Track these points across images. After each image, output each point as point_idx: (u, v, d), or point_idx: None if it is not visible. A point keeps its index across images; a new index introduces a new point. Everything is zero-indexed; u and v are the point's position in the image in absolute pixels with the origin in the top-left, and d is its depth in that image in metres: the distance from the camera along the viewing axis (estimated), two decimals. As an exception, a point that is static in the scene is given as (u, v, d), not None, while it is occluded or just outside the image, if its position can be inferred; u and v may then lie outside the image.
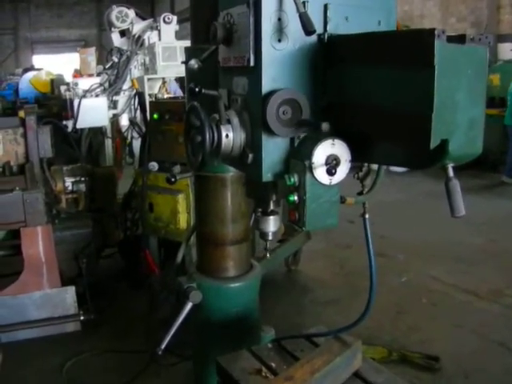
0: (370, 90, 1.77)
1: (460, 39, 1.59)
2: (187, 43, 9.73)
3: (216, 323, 3.13)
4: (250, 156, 1.97)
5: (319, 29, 1.91)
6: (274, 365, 2.65)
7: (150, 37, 9.52)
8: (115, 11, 9.42)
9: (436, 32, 1.49)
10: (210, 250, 3.17)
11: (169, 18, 9.45)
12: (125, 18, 9.46)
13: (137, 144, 8.39)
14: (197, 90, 2.03)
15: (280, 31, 1.87)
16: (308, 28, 1.77)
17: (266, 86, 1.88)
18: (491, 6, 18.41)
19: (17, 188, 4.93)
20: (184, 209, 4.67)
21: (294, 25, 1.88)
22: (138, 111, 8.30)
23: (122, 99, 9.12)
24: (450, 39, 1.56)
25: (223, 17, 2.11)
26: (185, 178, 3.09)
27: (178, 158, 4.45)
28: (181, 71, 9.22)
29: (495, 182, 10.96)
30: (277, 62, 1.89)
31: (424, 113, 1.55)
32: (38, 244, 5.06)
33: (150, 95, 8.96)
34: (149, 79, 9.07)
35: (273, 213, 2.26)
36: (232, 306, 3.14)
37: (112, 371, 4.43)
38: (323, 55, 1.93)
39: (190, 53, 2.94)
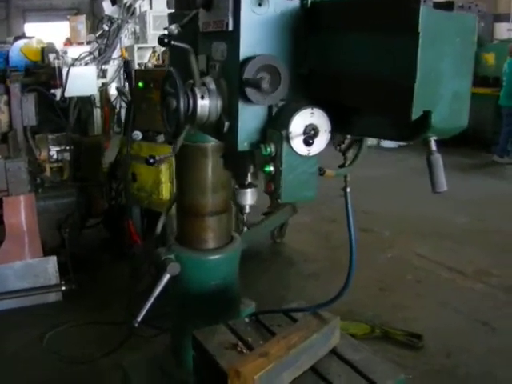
0: (352, 57, 1.69)
1: (448, 6, 1.50)
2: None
3: (194, 296, 3.07)
4: (226, 124, 1.90)
5: (303, -6, 1.84)
6: (250, 340, 2.60)
7: (142, 5, 9.38)
8: (107, -21, 9.26)
9: None
10: (190, 220, 3.10)
11: (162, -14, 9.30)
12: (116, -15, 9.31)
13: (124, 113, 8.30)
14: (166, 40, 1.95)
15: None
16: None
17: (243, 52, 1.80)
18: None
19: (-1, 156, 4.86)
20: (167, 179, 4.61)
21: (274, -12, 1.80)
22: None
23: (111, 68, 8.99)
24: (437, 5, 1.48)
25: None
26: (166, 159, 2.99)
27: (162, 127, 4.36)
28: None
29: (487, 162, 10.93)
30: (256, 27, 1.80)
31: (406, 83, 1.47)
32: (20, 213, 5.02)
33: (139, 64, 8.84)
34: (139, 48, 8.97)
35: (250, 185, 2.18)
36: (211, 278, 3.08)
37: (92, 343, 4.40)
38: (305, 21, 1.85)
39: (172, 19, 2.84)
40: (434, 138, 1.61)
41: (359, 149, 2.27)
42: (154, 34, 8.84)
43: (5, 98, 5.25)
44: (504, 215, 7.52)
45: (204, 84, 1.95)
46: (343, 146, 2.28)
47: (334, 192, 3.00)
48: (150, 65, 9.07)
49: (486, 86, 11.53)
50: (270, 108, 1.87)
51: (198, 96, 1.91)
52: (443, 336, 4.52)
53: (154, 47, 9.12)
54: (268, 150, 1.81)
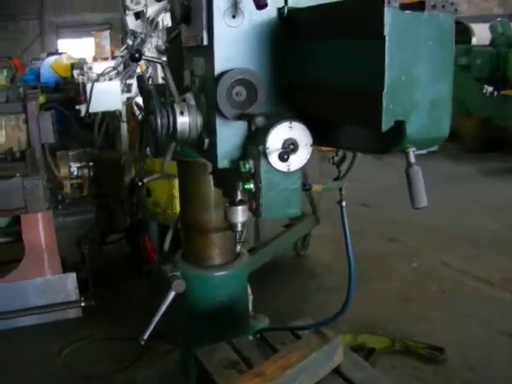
0: (325, 67, 1.63)
1: (418, 6, 1.42)
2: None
3: (200, 313, 3.04)
4: (206, 141, 1.85)
5: (280, 2, 1.78)
6: (252, 358, 2.55)
7: (164, 19, 9.41)
8: (141, -6, 9.31)
9: None
10: (195, 237, 3.07)
11: (183, 0, 9.32)
12: (138, 0, 9.36)
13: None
14: (137, 55, 1.91)
15: (234, 6, 1.74)
16: (257, 1, 1.64)
17: (218, 66, 1.75)
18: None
19: (17, 174, 4.89)
20: (180, 193, 4.58)
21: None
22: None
23: (136, 82, 9.04)
24: (407, 6, 1.40)
25: None
26: (153, 180, 2.94)
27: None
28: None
29: (517, 165, 10.68)
30: (231, 40, 1.76)
31: (374, 90, 1.40)
32: (38, 230, 5.03)
33: (162, 78, 8.86)
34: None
35: (241, 202, 2.12)
36: (217, 295, 3.04)
37: (107, 359, 4.38)
38: (283, 31, 1.79)
39: (168, 33, 2.82)
40: (413, 149, 1.53)
41: (352, 161, 2.21)
42: (177, 47, 8.86)
43: (23, 116, 5.28)
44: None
45: (184, 100, 1.91)
46: (336, 159, 2.22)
47: (359, 201, 2.92)
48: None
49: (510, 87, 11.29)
50: (249, 123, 1.82)
51: (177, 112, 1.87)
52: (466, 349, 4.37)
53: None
54: (247, 166, 1.76)
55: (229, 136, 1.82)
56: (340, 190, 2.31)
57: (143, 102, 5.94)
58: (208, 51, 1.79)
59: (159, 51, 2.30)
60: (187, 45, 2.01)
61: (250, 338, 2.76)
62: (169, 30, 2.83)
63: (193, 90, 1.95)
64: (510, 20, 11.42)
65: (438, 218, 7.22)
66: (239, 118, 1.75)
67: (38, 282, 5.01)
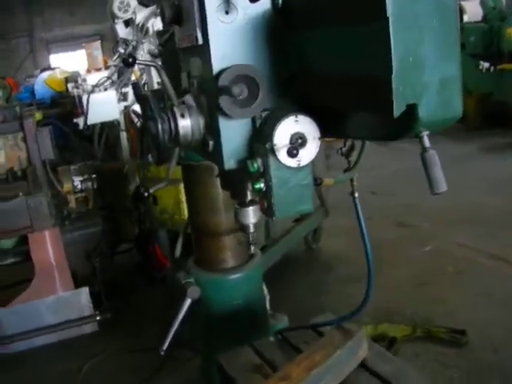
0: (327, 55, 1.57)
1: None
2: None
3: (218, 317, 2.98)
4: (211, 143, 1.79)
5: (274, -6, 1.73)
6: (276, 360, 2.49)
7: (154, 24, 9.33)
8: (117, 2, 9.19)
9: None
10: (206, 241, 3.01)
11: (171, 3, 9.25)
12: (127, 7, 9.27)
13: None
14: (130, 60, 1.85)
15: (227, 2, 1.68)
16: None
17: (216, 65, 1.70)
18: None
19: (20, 194, 4.84)
20: (187, 198, 4.52)
21: (241, -7, 1.69)
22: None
23: (131, 90, 8.97)
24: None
25: None
26: (159, 189, 2.88)
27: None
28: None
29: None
30: (226, 37, 1.70)
31: (383, 75, 1.34)
32: (46, 248, 4.99)
33: (158, 83, 8.78)
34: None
35: (252, 203, 2.06)
36: (233, 298, 2.98)
37: (127, 372, 4.33)
38: (280, 22, 1.73)
39: (159, 36, 2.76)
40: (427, 133, 1.46)
41: (361, 150, 2.15)
42: (169, 51, 8.79)
43: (21, 134, 5.23)
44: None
45: (184, 102, 1.85)
46: (344, 150, 2.15)
47: (366, 189, 2.85)
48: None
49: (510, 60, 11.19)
50: (253, 120, 1.76)
51: (178, 115, 1.81)
52: (489, 330, 4.29)
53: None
54: (255, 166, 1.70)
55: (233, 135, 1.76)
56: (351, 181, 2.24)
57: (141, 109, 5.89)
58: (204, 50, 1.73)
59: (153, 55, 2.23)
60: (181, 46, 1.95)
61: (272, 339, 2.70)
62: (160, 33, 2.77)
63: (192, 91, 1.89)
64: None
65: (446, 199, 7.09)
66: (243, 115, 1.69)
67: (51, 299, 4.97)
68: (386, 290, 4.81)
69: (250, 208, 2.07)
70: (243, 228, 2.12)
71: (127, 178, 6.43)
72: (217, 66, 1.69)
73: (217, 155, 1.79)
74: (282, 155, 1.66)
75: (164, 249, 5.15)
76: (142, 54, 9.23)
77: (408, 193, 7.34)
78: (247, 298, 3.00)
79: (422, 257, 5.84)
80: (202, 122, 1.82)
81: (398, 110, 1.35)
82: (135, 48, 9.05)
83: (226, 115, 1.69)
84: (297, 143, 1.66)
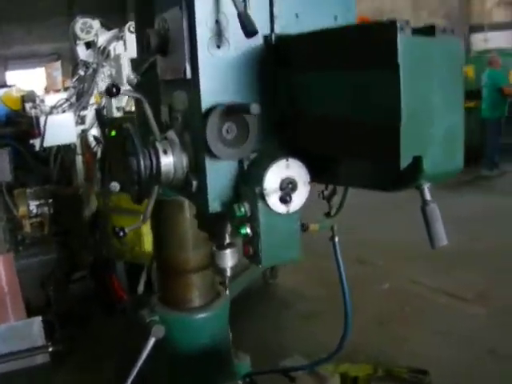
0: (326, 99, 1.49)
1: (429, 31, 1.30)
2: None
3: (183, 357, 2.85)
4: (194, 183, 1.69)
5: (265, 29, 1.64)
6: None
7: (116, 47, 9.21)
8: (79, 23, 9.07)
9: (398, 24, 1.21)
10: (172, 279, 2.89)
11: (134, 27, 9.14)
12: (89, 29, 9.14)
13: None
14: (114, 90, 1.74)
15: (219, 35, 1.60)
16: (248, 28, 1.50)
17: (205, 101, 1.60)
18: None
19: (-27, 218, 4.66)
20: (148, 230, 4.36)
21: (234, 27, 1.60)
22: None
23: (90, 114, 8.80)
24: (417, 31, 1.28)
25: (158, 23, 1.83)
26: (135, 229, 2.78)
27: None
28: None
29: (476, 176, 10.77)
30: (217, 72, 1.61)
31: (390, 125, 1.26)
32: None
33: (118, 108, 8.64)
34: (116, 91, 8.75)
35: (230, 245, 1.96)
36: (199, 338, 2.86)
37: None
38: (272, 60, 1.65)
39: (134, 65, 2.67)
40: (427, 185, 1.40)
41: (344, 194, 2.07)
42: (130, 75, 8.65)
43: (-23, 155, 5.04)
44: (498, 231, 7.30)
45: (166, 138, 1.75)
46: (326, 193, 2.07)
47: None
48: (128, 108, 8.88)
49: (468, 99, 11.39)
50: (241, 162, 1.67)
51: (160, 151, 1.70)
52: (450, 368, 4.28)
53: (131, 89, 8.93)
54: (242, 210, 1.60)
55: (219, 177, 1.66)
56: (332, 226, 2.16)
57: (102, 135, 5.76)
58: (192, 85, 1.63)
59: (130, 85, 2.11)
60: (165, 78, 1.85)
61: (240, 383, 2.59)
62: (137, 62, 2.67)
63: (175, 126, 1.79)
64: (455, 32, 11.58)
65: (403, 235, 7.18)
66: (232, 157, 1.60)
67: (2, 328, 4.76)
68: (340, 325, 4.74)
69: (228, 251, 1.97)
70: (220, 271, 2.01)
71: (83, 203, 6.27)
72: (206, 103, 1.59)
73: (200, 196, 1.69)
74: (272, 200, 1.57)
75: (121, 280, 4.99)
76: (103, 78, 9.12)
77: (367, 228, 7.35)
78: (214, 337, 2.89)
79: (381, 295, 5.82)
80: (185, 160, 1.72)
81: (404, 161, 1.27)
82: (95, 71, 8.92)
83: (213, 155, 1.59)
84: (288, 188, 1.57)
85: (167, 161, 1.71)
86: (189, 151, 1.72)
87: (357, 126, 1.39)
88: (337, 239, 2.17)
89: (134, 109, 8.85)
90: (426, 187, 1.39)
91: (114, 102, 8.76)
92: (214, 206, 1.67)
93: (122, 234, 1.91)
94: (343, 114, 1.43)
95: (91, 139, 8.71)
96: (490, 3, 18.75)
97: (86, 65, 8.91)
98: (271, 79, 1.65)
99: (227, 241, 1.96)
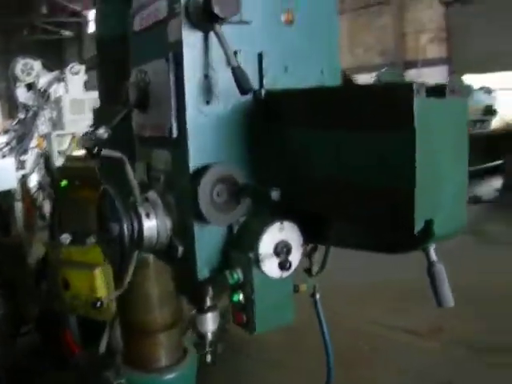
0: (326, 159, 1.40)
1: (439, 92, 1.24)
2: (96, 95, 9.33)
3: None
4: (180, 249, 1.57)
5: (254, 83, 1.56)
6: None
7: (57, 89, 9.02)
8: (20, 64, 8.88)
9: (415, 87, 1.15)
10: (137, 339, 2.73)
11: (75, 69, 8.99)
12: (30, 70, 8.93)
13: (48, 206, 7.86)
14: (94, 151, 1.61)
15: (208, 91, 1.51)
16: (244, 86, 1.41)
17: (194, 162, 1.50)
18: (396, 35, 18.89)
19: None
20: (103, 284, 4.17)
21: (224, 81, 1.52)
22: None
23: (30, 158, 8.55)
24: (427, 91, 1.22)
25: (136, 75, 1.73)
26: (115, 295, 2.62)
27: (92, 227, 3.99)
28: (92, 125, 8.75)
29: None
30: (206, 130, 1.51)
31: (404, 189, 1.19)
32: None
33: (59, 152, 8.41)
34: (57, 135, 8.52)
35: (211, 309, 1.84)
36: (168, 399, 2.71)
37: None
38: (261, 116, 1.56)
39: (98, 115, 2.54)
40: (433, 246, 1.33)
41: (327, 251, 1.97)
42: (71, 119, 8.45)
43: None
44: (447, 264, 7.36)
45: (147, 200, 1.63)
46: (307, 248, 1.98)
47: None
48: (69, 152, 8.66)
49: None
50: (230, 226, 1.57)
51: (143, 215, 1.58)
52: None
53: (73, 133, 8.72)
54: (235, 276, 1.50)
55: (209, 242, 1.55)
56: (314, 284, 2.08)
57: (51, 184, 5.52)
58: (178, 144, 1.53)
59: (99, 139, 1.94)
60: (142, 134, 1.74)
61: None
62: (99, 112, 2.55)
63: (156, 187, 1.67)
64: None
65: (358, 276, 7.16)
66: (225, 222, 1.49)
67: None
68: (307, 372, 4.65)
69: (209, 315, 1.85)
70: (200, 336, 1.89)
71: (26, 252, 6.00)
72: (194, 163, 1.49)
73: (188, 263, 1.57)
74: (267, 265, 1.47)
75: (74, 334, 4.75)
76: (44, 121, 8.90)
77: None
78: (182, 398, 2.74)
79: (337, 337, 5.72)
80: (169, 223, 1.60)
81: (418, 226, 1.20)
82: (36, 114, 8.70)
83: (202, 220, 1.49)
84: (283, 253, 1.48)
85: (150, 225, 1.59)
86: (172, 214, 1.60)
87: (362, 188, 1.31)
88: (318, 296, 2.07)
89: (76, 152, 8.65)
90: (432, 248, 1.33)
91: (56, 146, 8.57)
92: (203, 272, 1.56)
93: (99, 305, 1.77)
94: (346, 175, 1.35)
95: (32, 185, 8.46)
96: (424, 40, 19.29)
97: (27, 108, 8.70)
98: (261, 137, 1.56)
99: (208, 304, 1.84)
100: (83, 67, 9.19)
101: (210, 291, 1.82)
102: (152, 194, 1.64)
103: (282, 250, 1.49)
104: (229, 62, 1.45)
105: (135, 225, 1.56)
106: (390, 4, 19.10)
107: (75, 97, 8.65)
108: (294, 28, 1.65)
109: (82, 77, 9.11)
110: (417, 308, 6.06)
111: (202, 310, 1.85)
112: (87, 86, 9.23)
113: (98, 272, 4.12)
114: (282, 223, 1.49)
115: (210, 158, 1.51)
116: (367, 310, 6.25)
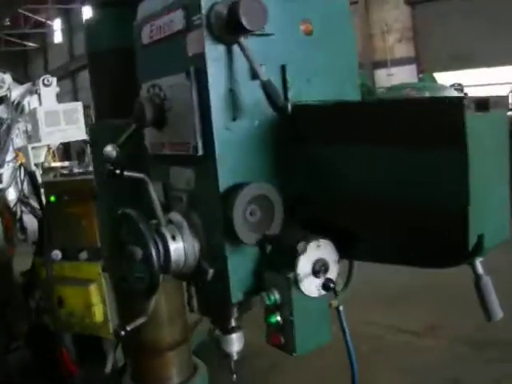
0: (363, 176, 1.34)
1: (483, 105, 1.18)
2: (70, 106, 9.16)
3: None
4: (211, 271, 1.50)
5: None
6: None
7: (30, 102, 8.87)
8: (-10, 77, 8.73)
9: (465, 102, 1.10)
10: (147, 357, 2.64)
11: (48, 81, 8.85)
12: (1, 83, 8.77)
13: (28, 219, 7.72)
14: (117, 171, 1.53)
15: (234, 106, 1.44)
16: (277, 102, 1.34)
17: (224, 181, 1.43)
18: (363, 35, 18.94)
19: None
20: (99, 300, 4.06)
21: (249, 95, 1.45)
22: (25, 184, 7.65)
23: (6, 172, 8.40)
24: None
25: (147, 89, 1.65)
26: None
27: (84, 242, 3.90)
28: (68, 136, 8.62)
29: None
30: (234, 148, 1.44)
31: (455, 207, 1.16)
32: None
33: (36, 165, 8.27)
34: (33, 148, 8.37)
35: (235, 329, 1.78)
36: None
37: None
38: (289, 131, 1.49)
39: (95, 131, 2.46)
40: (480, 259, 1.29)
41: (351, 266, 1.91)
42: (47, 131, 8.31)
43: None
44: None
45: (171, 221, 1.56)
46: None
47: None
48: (46, 164, 8.51)
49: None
50: (262, 244, 1.49)
51: (168, 237, 1.51)
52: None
53: (48, 145, 8.58)
54: (272, 298, 1.44)
55: (241, 263, 1.48)
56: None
57: (37, 199, 5.38)
58: (204, 162, 1.46)
59: (107, 158, 1.84)
60: (158, 152, 1.66)
61: None
62: (94, 128, 2.47)
63: (178, 207, 1.59)
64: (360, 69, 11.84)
65: (354, 277, 7.07)
66: (259, 242, 1.43)
67: None
68: (310, 374, 4.61)
69: (234, 335, 1.79)
70: (226, 356, 1.82)
71: (11, 267, 5.87)
72: (224, 183, 1.42)
73: (219, 286, 1.50)
74: (306, 285, 1.42)
75: (71, 354, 4.62)
76: (18, 134, 8.74)
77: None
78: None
79: (335, 338, 5.68)
80: (196, 245, 1.53)
81: (472, 242, 1.17)
82: (10, 127, 8.54)
83: (235, 240, 1.42)
84: (321, 271, 1.42)
85: (177, 247, 1.51)
86: (200, 235, 1.53)
87: (408, 205, 1.26)
88: (342, 308, 2.01)
89: (52, 164, 8.50)
90: (479, 261, 1.28)
91: (32, 158, 8.41)
92: (238, 295, 1.49)
93: (123, 333, 1.69)
94: (388, 193, 1.29)
95: (10, 198, 8.28)
96: (392, 39, 19.39)
97: (0, 121, 8.54)
98: (289, 152, 1.49)
99: (232, 324, 1.78)
100: (55, 79, 9.05)
101: (236, 312, 1.76)
102: (175, 215, 1.57)
103: (320, 268, 1.43)
104: (257, 76, 1.38)
105: (160, 248, 1.48)
106: (356, 5, 19.13)
107: (49, 109, 8.49)
108: (313, 39, 1.59)
109: (54, 88, 8.97)
110: (410, 309, 6.06)
111: (226, 331, 1.78)
112: (59, 98, 9.12)
113: (93, 288, 4.02)
114: (318, 241, 1.43)
115: (239, 176, 1.44)
116: (365, 311, 6.21)
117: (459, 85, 14.73)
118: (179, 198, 1.60)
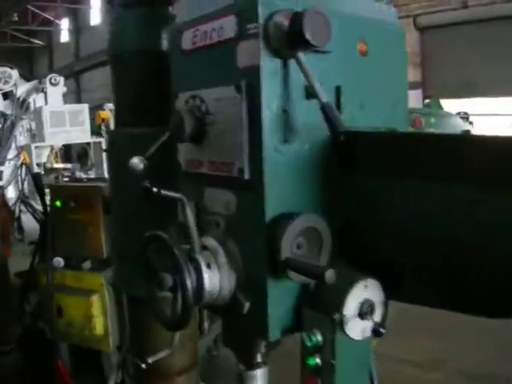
0: (423, 212, 1.22)
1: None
2: (76, 107, 9.06)
3: None
4: (247, 305, 1.38)
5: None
6: None
7: (36, 100, 8.77)
8: (-3, 71, 8.64)
9: None
10: (156, 382, 2.51)
11: (55, 80, 8.75)
12: (8, 78, 8.67)
13: (26, 219, 7.60)
14: (154, 189, 1.39)
15: (287, 127, 1.32)
16: (337, 126, 1.23)
17: (271, 209, 1.30)
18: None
19: None
20: (100, 312, 3.92)
21: (302, 116, 1.34)
22: (26, 183, 7.52)
23: (6, 170, 8.28)
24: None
25: (186, 100, 1.52)
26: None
27: (88, 252, 3.76)
28: (72, 138, 8.51)
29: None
30: (284, 174, 1.32)
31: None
32: None
33: (38, 165, 8.15)
34: (36, 147, 8.25)
35: (260, 365, 1.65)
36: None
37: None
38: (337, 157, 1.36)
39: (114, 138, 2.34)
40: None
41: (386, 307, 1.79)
42: (51, 131, 8.19)
43: None
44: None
45: (205, 247, 1.43)
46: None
47: None
48: (49, 165, 8.39)
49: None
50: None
51: (203, 265, 1.38)
52: None
53: (52, 146, 8.46)
54: (314, 339, 1.31)
55: (282, 299, 1.36)
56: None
57: (41, 202, 5.25)
58: (250, 187, 1.34)
59: (133, 170, 1.71)
60: (195, 171, 1.54)
61: None
62: (114, 134, 2.35)
63: (213, 233, 1.47)
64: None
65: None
66: (305, 278, 1.30)
67: None
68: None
69: (259, 371, 1.67)
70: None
71: (8, 272, 5.74)
72: (271, 211, 1.30)
73: (255, 321, 1.38)
74: (351, 327, 1.30)
75: (66, 365, 4.47)
76: (22, 132, 8.62)
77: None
78: None
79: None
80: (232, 275, 1.40)
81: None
82: (14, 124, 8.44)
83: (278, 274, 1.30)
84: (368, 312, 1.30)
85: (212, 276, 1.39)
86: (237, 265, 1.40)
87: (470, 246, 1.15)
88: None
89: (55, 165, 8.38)
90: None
91: (34, 158, 8.29)
92: (275, 333, 1.36)
93: (144, 366, 1.57)
94: (449, 232, 1.17)
95: (9, 196, 8.16)
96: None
97: (4, 117, 8.43)
98: (337, 180, 1.37)
99: (258, 360, 1.65)
100: (62, 78, 8.96)
101: (262, 348, 1.64)
102: (210, 241, 1.44)
103: (367, 309, 1.31)
104: (315, 96, 1.27)
105: (193, 276, 1.36)
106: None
107: (55, 108, 8.39)
108: (369, 59, 1.48)
109: (61, 88, 8.87)
110: (417, 339, 5.95)
111: (250, 366, 1.66)
112: (65, 98, 9.03)
113: (95, 299, 3.88)
114: (366, 280, 1.31)
115: (287, 204, 1.32)
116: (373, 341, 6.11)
117: (465, 113, 14.71)
118: (215, 223, 1.47)
